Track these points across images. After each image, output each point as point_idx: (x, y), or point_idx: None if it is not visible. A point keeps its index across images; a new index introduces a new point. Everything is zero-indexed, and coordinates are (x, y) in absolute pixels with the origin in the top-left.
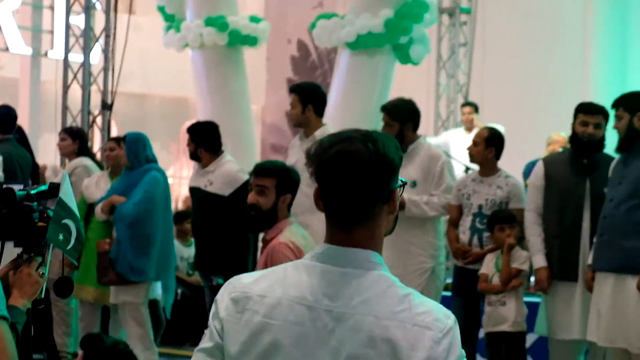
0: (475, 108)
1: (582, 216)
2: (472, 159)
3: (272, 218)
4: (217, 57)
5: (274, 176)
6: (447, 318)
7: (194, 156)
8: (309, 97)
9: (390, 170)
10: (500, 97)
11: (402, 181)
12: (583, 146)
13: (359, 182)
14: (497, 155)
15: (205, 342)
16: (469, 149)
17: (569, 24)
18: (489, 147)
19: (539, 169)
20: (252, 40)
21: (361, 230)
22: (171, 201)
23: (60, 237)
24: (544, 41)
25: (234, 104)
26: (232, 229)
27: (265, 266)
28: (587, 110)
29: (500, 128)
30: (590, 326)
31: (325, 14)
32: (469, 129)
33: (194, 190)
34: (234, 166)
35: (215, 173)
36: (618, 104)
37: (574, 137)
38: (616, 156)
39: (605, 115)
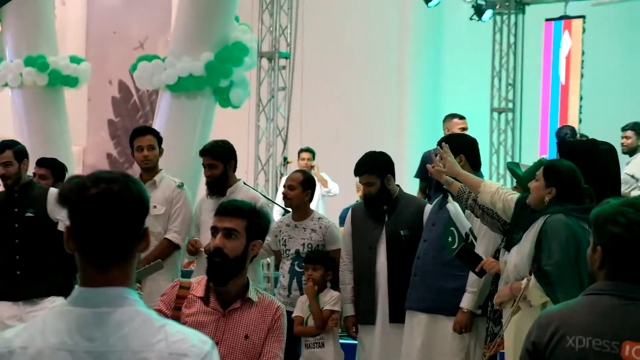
0: (313, 154)
1: (377, 259)
2: (290, 203)
3: (239, 267)
4: (37, 97)
5: (245, 218)
6: (203, 344)
7: None
8: None
9: (147, 209)
10: (318, 141)
11: None
12: (370, 202)
13: (123, 221)
14: (311, 198)
15: None
16: (285, 193)
17: (385, 68)
18: (305, 190)
19: (348, 215)
20: (72, 81)
21: (118, 269)
22: None
23: None
24: (361, 86)
25: (54, 144)
26: None
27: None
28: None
29: (331, 182)
30: None
31: (146, 56)
32: None
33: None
34: None
35: None
36: (444, 140)
37: (364, 196)
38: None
39: (374, 169)
